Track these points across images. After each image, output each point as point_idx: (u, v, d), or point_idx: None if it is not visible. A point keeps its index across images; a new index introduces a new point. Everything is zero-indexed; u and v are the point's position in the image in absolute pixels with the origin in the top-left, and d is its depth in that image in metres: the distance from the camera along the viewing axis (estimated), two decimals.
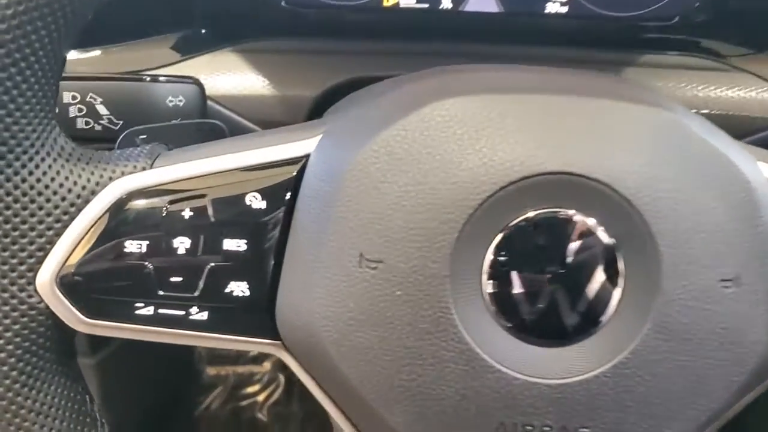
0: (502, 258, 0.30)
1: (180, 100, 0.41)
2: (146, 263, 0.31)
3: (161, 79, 0.41)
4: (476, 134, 0.30)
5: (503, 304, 0.30)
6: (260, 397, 0.96)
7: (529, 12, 0.51)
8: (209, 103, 0.45)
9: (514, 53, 0.52)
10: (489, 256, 0.30)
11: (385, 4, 0.51)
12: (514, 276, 0.30)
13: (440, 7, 0.51)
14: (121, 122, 0.40)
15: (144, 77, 0.41)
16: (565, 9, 0.50)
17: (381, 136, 0.30)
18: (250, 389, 0.96)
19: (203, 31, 0.53)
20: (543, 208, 0.30)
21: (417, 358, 0.30)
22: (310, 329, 0.31)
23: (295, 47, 0.52)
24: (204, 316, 0.32)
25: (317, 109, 0.50)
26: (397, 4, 0.51)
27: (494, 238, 0.30)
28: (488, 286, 0.30)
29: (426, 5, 0.51)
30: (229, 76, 0.49)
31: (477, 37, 0.52)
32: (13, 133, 0.29)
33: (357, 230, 0.30)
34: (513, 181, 0.29)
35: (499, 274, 0.30)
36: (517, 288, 0.30)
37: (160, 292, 0.31)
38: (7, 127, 0.29)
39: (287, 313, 0.32)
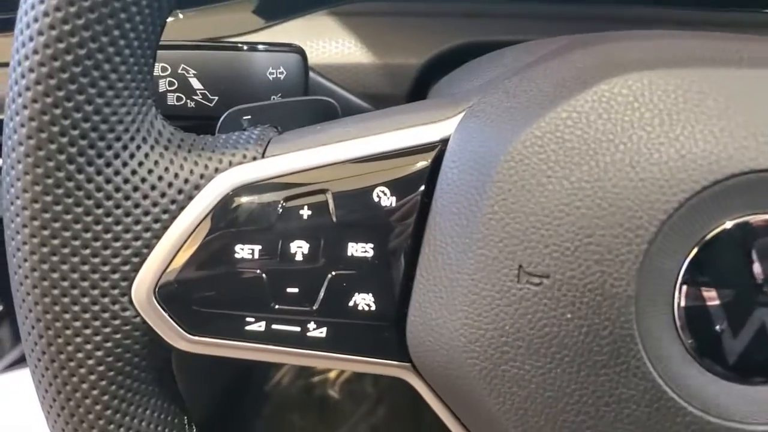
0: (699, 276, 0.24)
1: (281, 72, 0.35)
2: (258, 271, 0.26)
3: (260, 48, 0.36)
4: (669, 119, 0.24)
5: (699, 332, 0.24)
6: (332, 374, 0.93)
7: None
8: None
9: (648, 16, 0.47)
10: (684, 274, 0.24)
11: None
12: (714, 299, 0.24)
13: None
14: (216, 98, 0.35)
15: (241, 46, 0.36)
16: None
17: (546, 119, 0.25)
18: None
19: None
20: (753, 214, 0.24)
21: (589, 395, 0.24)
22: (451, 354, 0.26)
23: (397, 9, 0.47)
24: (323, 332, 0.27)
25: (422, 79, 0.45)
26: None
27: (691, 251, 0.24)
28: (681, 311, 0.24)
29: None
30: (328, 43, 0.44)
31: None
32: (105, 117, 0.24)
33: (515, 236, 0.24)
34: (718, 180, 0.23)
35: (695, 296, 0.24)
36: (718, 314, 0.24)
37: (274, 305, 0.27)
38: (98, 109, 0.24)
39: (421, 333, 0.27)
